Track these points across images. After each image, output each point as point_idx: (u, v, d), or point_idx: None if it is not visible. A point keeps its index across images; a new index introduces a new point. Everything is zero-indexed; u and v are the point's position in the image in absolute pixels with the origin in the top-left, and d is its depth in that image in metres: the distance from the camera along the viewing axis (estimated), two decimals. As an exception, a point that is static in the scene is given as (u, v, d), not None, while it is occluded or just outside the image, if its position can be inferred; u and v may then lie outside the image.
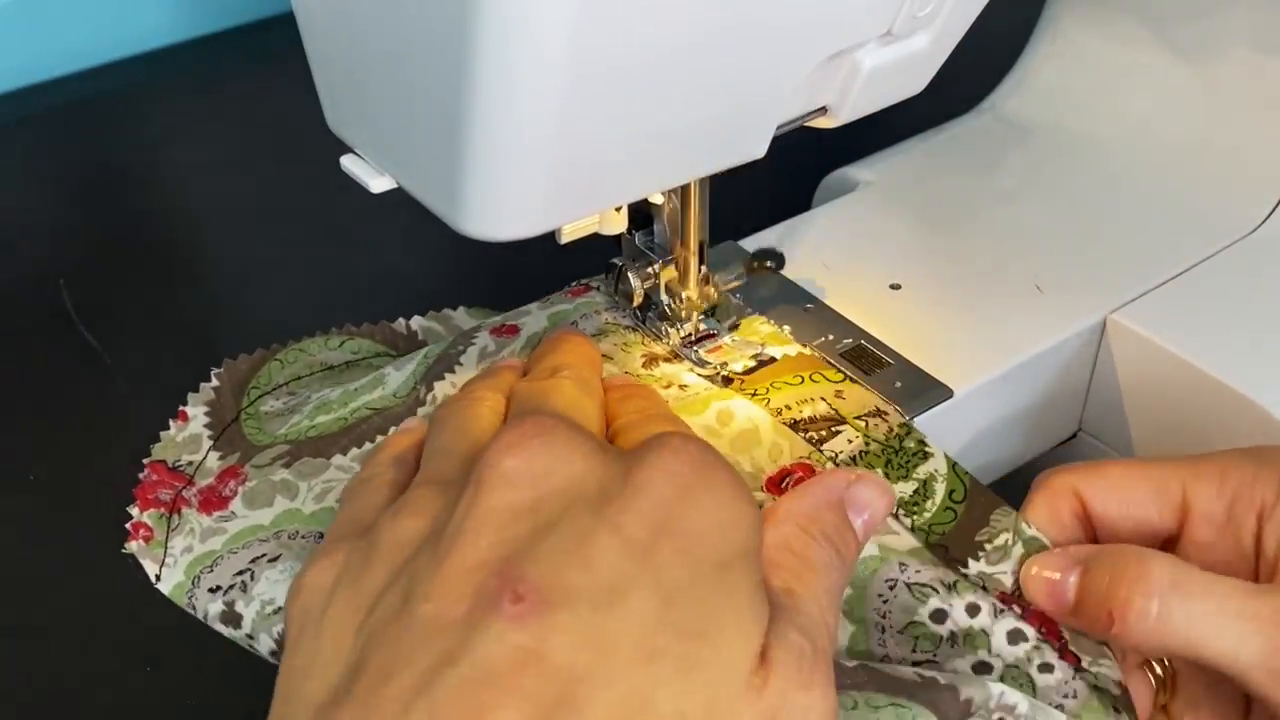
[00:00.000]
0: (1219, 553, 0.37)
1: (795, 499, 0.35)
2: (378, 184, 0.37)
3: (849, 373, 0.44)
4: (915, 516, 0.40)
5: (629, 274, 0.45)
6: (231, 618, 0.39)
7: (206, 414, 0.47)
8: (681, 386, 0.44)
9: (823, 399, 0.43)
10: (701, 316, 0.46)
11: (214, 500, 0.43)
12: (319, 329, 0.51)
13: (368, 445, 0.44)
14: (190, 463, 0.45)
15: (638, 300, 0.46)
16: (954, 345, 0.46)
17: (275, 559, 0.40)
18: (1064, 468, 0.39)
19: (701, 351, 0.45)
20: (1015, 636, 0.36)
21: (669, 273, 0.45)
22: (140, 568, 0.42)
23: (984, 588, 0.38)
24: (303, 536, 0.41)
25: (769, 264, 0.45)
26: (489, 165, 0.33)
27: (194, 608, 0.40)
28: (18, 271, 0.64)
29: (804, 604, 0.32)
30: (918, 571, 0.37)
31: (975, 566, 0.38)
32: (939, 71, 0.42)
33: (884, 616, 0.37)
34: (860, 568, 0.38)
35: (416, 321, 0.52)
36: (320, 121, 0.39)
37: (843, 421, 0.42)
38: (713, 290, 0.45)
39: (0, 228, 0.68)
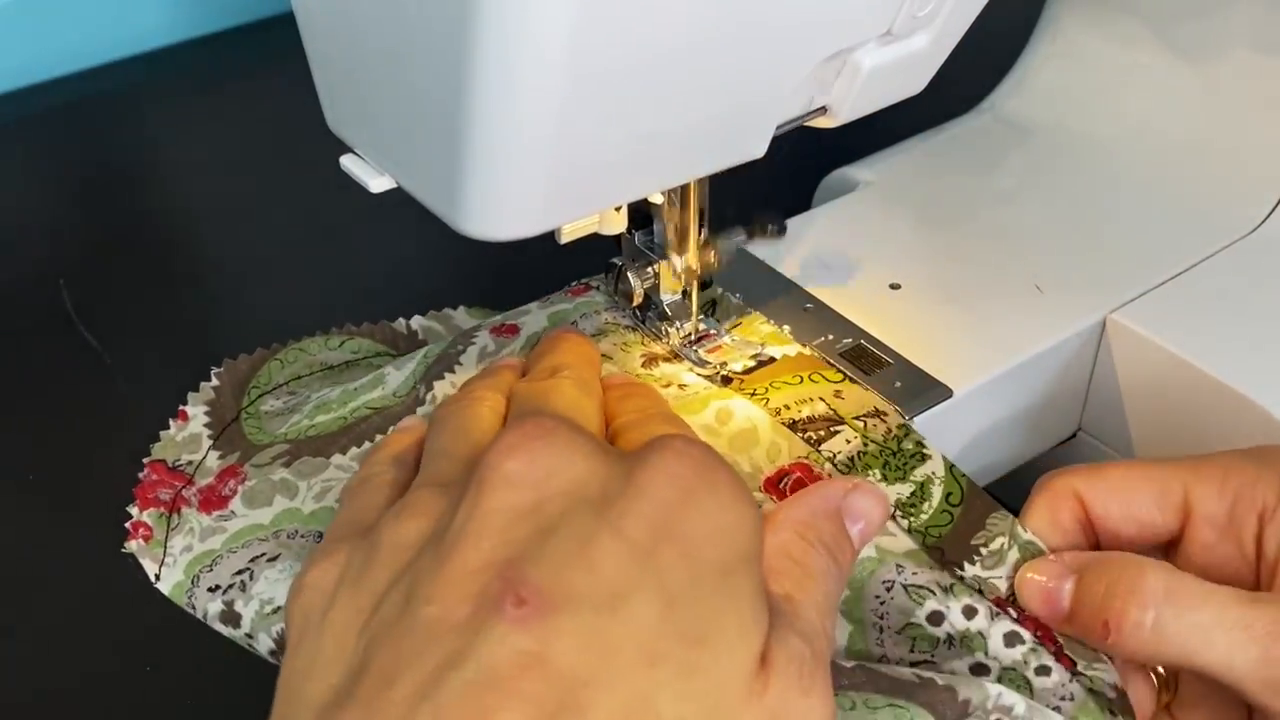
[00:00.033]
0: (1220, 554, 0.37)
1: (793, 506, 0.35)
2: (377, 184, 0.37)
3: (849, 373, 0.44)
4: (912, 518, 0.40)
5: (629, 274, 0.45)
6: (231, 617, 0.39)
7: (206, 413, 0.47)
8: (681, 386, 0.44)
9: (821, 399, 0.43)
10: (702, 317, 0.46)
11: (214, 499, 0.43)
12: (319, 329, 0.51)
13: (367, 445, 0.44)
14: (190, 462, 0.45)
15: (637, 300, 0.46)
16: (954, 345, 0.46)
17: (274, 558, 0.40)
18: (1065, 470, 0.39)
19: (701, 351, 0.45)
20: (1012, 639, 0.36)
21: (669, 243, 0.44)
22: (140, 567, 0.42)
23: (980, 591, 0.38)
24: (302, 536, 0.41)
25: (770, 227, 0.44)
26: (489, 165, 0.33)
27: (193, 607, 0.40)
28: (18, 271, 0.64)
29: (803, 610, 0.33)
30: (915, 573, 0.37)
31: (970, 571, 0.38)
32: (939, 71, 0.42)
33: (881, 618, 0.37)
34: (857, 569, 0.38)
35: (416, 321, 0.52)
36: (320, 121, 0.39)
37: (841, 422, 0.42)
38: (712, 256, 0.45)
39: (0, 228, 0.68)
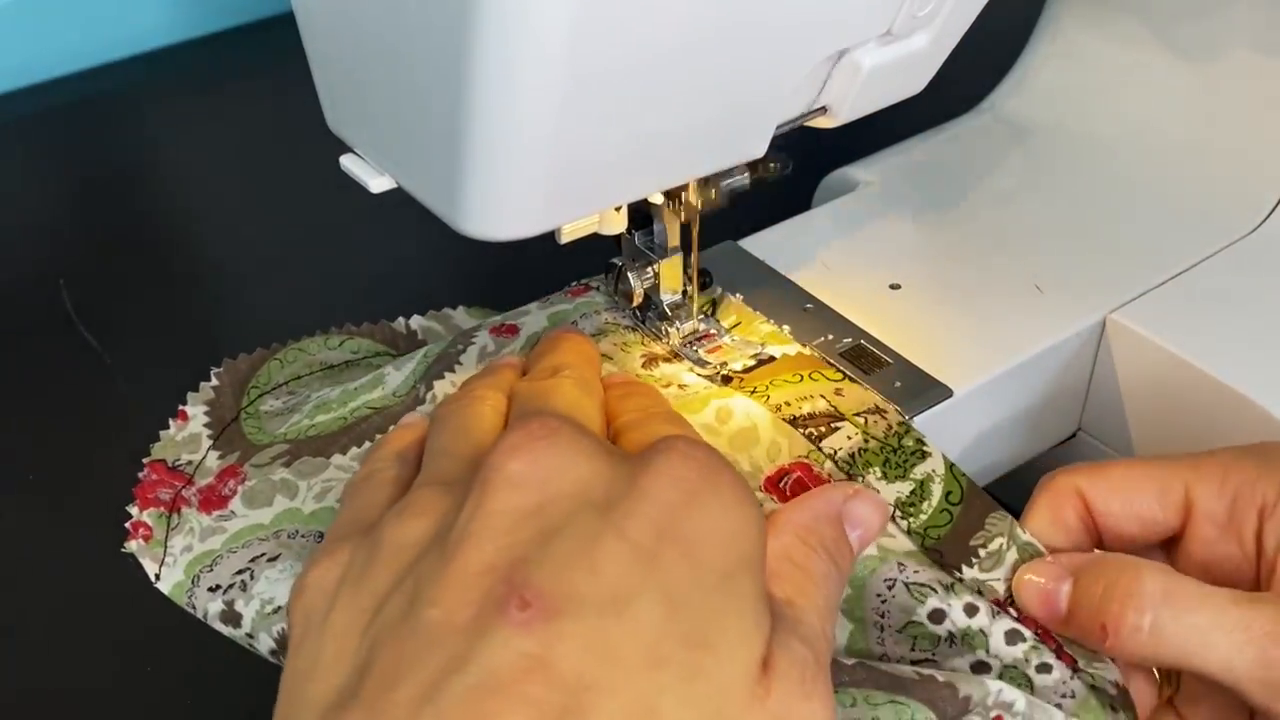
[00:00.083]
0: (1221, 550, 0.37)
1: (795, 510, 0.35)
2: (377, 184, 0.37)
3: (849, 373, 0.44)
4: (911, 518, 0.40)
5: (629, 274, 0.45)
6: (231, 617, 0.39)
7: (206, 413, 0.47)
8: (681, 386, 0.44)
9: (822, 396, 0.43)
10: (702, 316, 0.46)
11: (214, 499, 0.43)
12: (319, 329, 0.51)
13: (367, 444, 0.44)
14: (190, 462, 0.45)
15: (637, 300, 0.46)
16: (954, 345, 0.46)
17: (275, 558, 0.40)
18: (1067, 468, 0.39)
19: (701, 351, 0.45)
20: (1013, 637, 0.36)
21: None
22: (140, 567, 0.42)
23: (979, 592, 0.38)
24: (302, 535, 0.41)
25: (773, 165, 0.44)
26: (489, 165, 0.33)
27: (194, 607, 0.40)
28: (18, 271, 0.64)
29: (805, 615, 0.33)
30: (916, 572, 0.37)
31: (969, 574, 0.38)
32: (939, 71, 0.42)
33: (883, 616, 0.37)
34: (859, 567, 0.38)
35: (416, 321, 0.52)
36: (320, 121, 0.39)
37: (842, 418, 0.42)
38: (714, 193, 0.44)
39: (0, 228, 0.68)
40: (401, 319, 0.52)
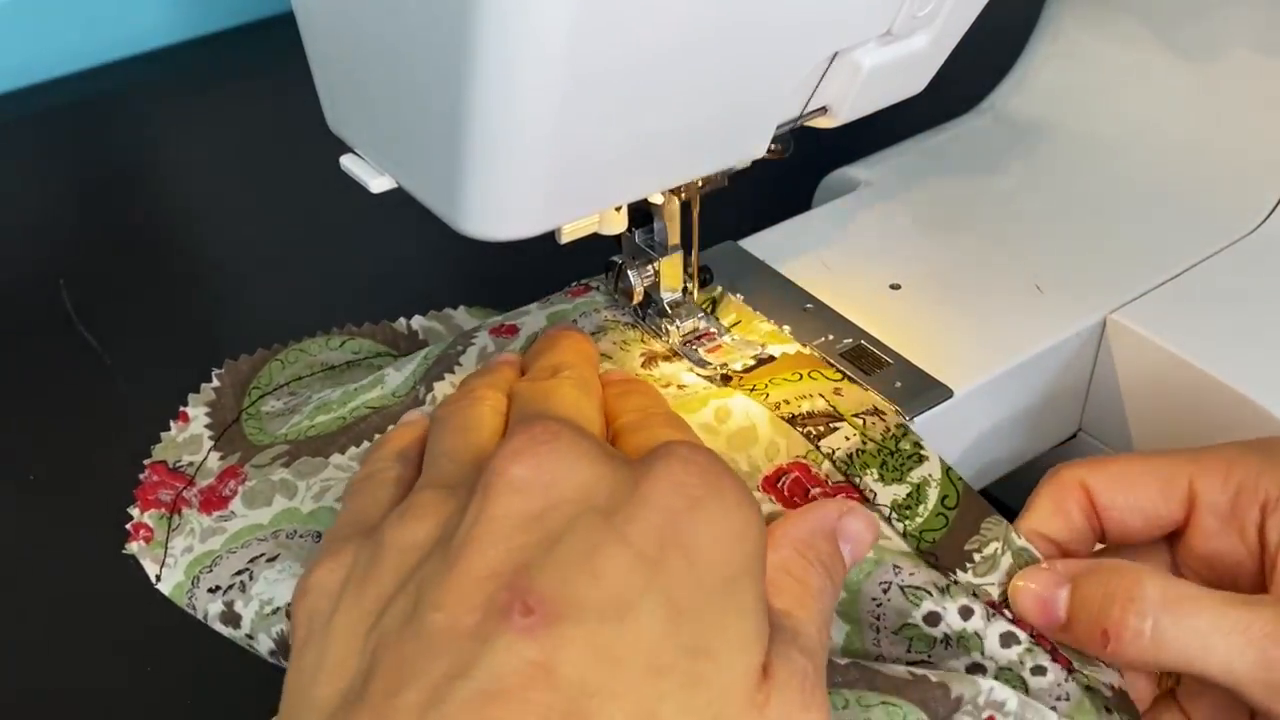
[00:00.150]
0: (1223, 544, 0.38)
1: (792, 524, 0.36)
2: (378, 184, 0.37)
3: (849, 373, 0.44)
4: (907, 521, 0.40)
5: (629, 272, 0.45)
6: (231, 618, 0.39)
7: (207, 414, 0.47)
8: (680, 386, 0.44)
9: (821, 395, 0.43)
10: (702, 315, 0.46)
11: (214, 500, 0.43)
12: (319, 329, 0.51)
13: (366, 444, 0.44)
14: (191, 463, 0.45)
15: (638, 298, 0.46)
16: (954, 345, 0.46)
17: (273, 558, 0.40)
18: (1072, 462, 0.39)
19: (702, 351, 0.45)
20: (1008, 639, 0.36)
21: None
22: (140, 568, 0.42)
23: (974, 595, 0.38)
24: (300, 535, 0.41)
25: (773, 146, 0.44)
26: (489, 165, 0.33)
27: (194, 608, 0.40)
28: (18, 271, 0.64)
29: (804, 626, 0.33)
30: (911, 574, 0.38)
31: (964, 578, 0.38)
32: (939, 71, 0.42)
33: (878, 618, 0.37)
34: (854, 570, 0.38)
35: (417, 321, 0.52)
36: (320, 121, 0.39)
37: (840, 418, 0.42)
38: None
39: (0, 228, 0.68)
40: (402, 319, 0.52)
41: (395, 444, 0.40)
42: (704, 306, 0.47)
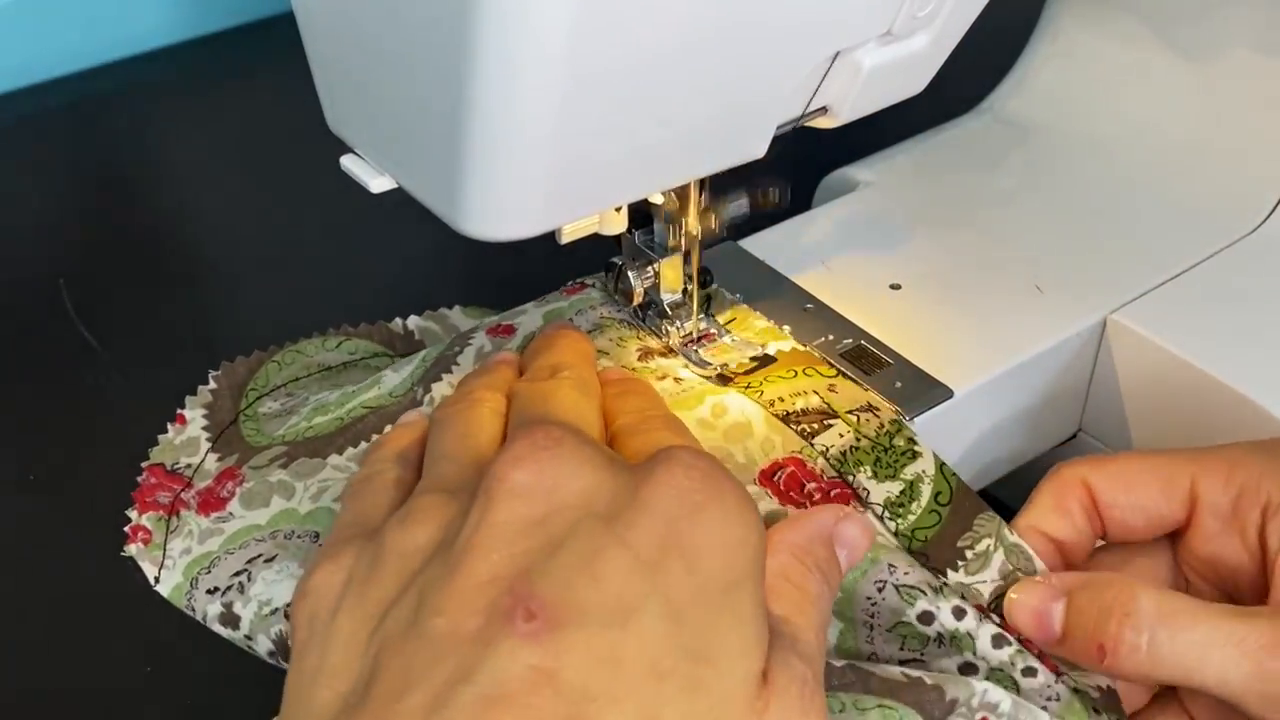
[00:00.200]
0: (1223, 545, 0.38)
1: (789, 530, 0.36)
2: (378, 184, 0.37)
3: (849, 373, 0.44)
4: (899, 519, 0.40)
5: (629, 273, 0.45)
6: (230, 619, 0.39)
7: (205, 416, 0.47)
8: (676, 380, 0.44)
9: (815, 392, 0.43)
10: (702, 315, 0.46)
11: (212, 501, 0.43)
12: (318, 329, 0.51)
13: (364, 445, 0.44)
14: (189, 465, 0.45)
15: (637, 299, 0.46)
16: (954, 345, 0.46)
17: (271, 559, 0.40)
18: (1074, 460, 0.40)
19: (701, 351, 0.45)
20: (999, 641, 0.37)
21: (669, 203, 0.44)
22: (139, 569, 0.42)
23: (963, 597, 0.38)
24: (298, 536, 0.41)
25: (772, 191, 0.44)
26: (489, 165, 0.33)
27: (192, 609, 0.40)
28: (18, 271, 0.64)
29: (803, 632, 0.33)
30: (906, 573, 0.38)
31: (954, 577, 0.38)
32: (939, 71, 0.42)
33: (872, 617, 0.37)
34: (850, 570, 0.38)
35: (413, 321, 0.52)
36: (320, 121, 0.39)
37: (834, 415, 0.42)
38: (713, 221, 0.44)
39: (0, 228, 0.68)
40: (399, 319, 0.52)
41: (394, 445, 0.40)
42: (703, 305, 0.47)
